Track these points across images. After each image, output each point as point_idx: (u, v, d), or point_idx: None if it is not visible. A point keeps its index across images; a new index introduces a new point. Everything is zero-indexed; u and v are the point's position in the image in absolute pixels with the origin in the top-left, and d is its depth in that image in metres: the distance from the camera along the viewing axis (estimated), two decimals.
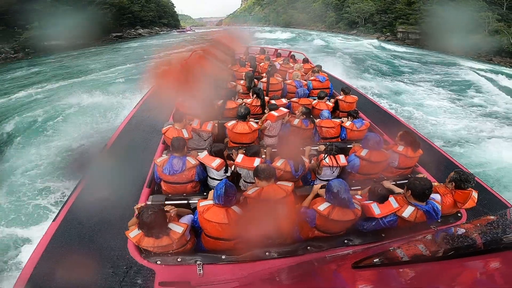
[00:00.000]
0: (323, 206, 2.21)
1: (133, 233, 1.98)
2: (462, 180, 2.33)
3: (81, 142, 6.75)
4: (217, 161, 2.73)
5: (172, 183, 2.70)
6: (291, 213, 2.19)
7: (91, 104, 9.34)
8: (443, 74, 17.21)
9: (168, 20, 63.59)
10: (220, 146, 2.82)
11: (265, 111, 3.90)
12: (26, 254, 3.68)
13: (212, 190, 2.34)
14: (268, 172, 2.26)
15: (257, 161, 2.73)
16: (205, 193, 2.70)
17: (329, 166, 2.91)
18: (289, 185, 2.29)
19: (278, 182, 2.31)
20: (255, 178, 2.35)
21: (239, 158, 2.77)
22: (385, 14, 43.69)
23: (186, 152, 2.80)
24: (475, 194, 2.34)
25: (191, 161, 2.69)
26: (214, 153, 2.77)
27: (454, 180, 2.38)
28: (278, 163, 2.79)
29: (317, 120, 3.78)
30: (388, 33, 42.18)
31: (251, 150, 2.80)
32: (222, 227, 2.04)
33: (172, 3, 71.94)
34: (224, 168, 2.81)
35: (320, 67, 6.02)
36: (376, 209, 2.23)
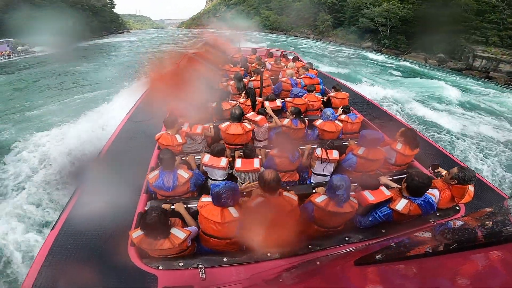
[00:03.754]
0: (320, 199, 2.26)
1: (136, 233, 1.99)
2: (466, 179, 2.34)
3: (75, 149, 6.65)
4: (224, 160, 2.76)
5: (168, 196, 2.65)
6: (293, 226, 2.15)
7: (82, 110, 9.21)
8: None
9: (88, 21, 39.15)
10: (221, 145, 2.85)
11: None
12: (26, 266, 3.63)
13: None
14: (274, 185, 2.12)
15: (256, 162, 2.74)
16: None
17: (320, 158, 2.96)
18: (295, 198, 2.23)
19: (284, 193, 2.24)
20: (260, 188, 2.25)
21: (238, 163, 2.74)
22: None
23: (179, 164, 2.73)
24: (471, 188, 2.36)
25: (184, 175, 2.59)
26: (218, 153, 2.78)
27: (457, 177, 2.37)
28: (274, 151, 2.88)
29: (318, 123, 3.75)
30: (441, 55, 24.51)
31: (247, 151, 2.81)
32: (215, 225, 2.06)
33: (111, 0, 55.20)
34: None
35: (311, 64, 6.12)
36: (369, 196, 2.28)
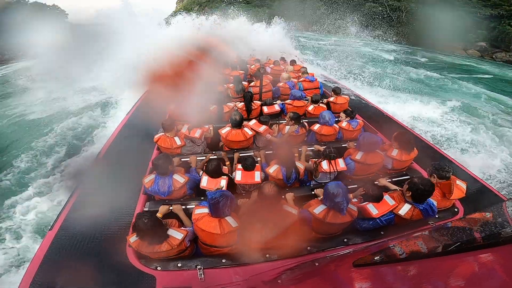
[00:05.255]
0: (318, 209, 2.21)
1: (133, 238, 1.98)
2: (438, 168, 2.42)
3: (73, 149, 6.63)
4: (223, 181, 2.63)
5: (165, 200, 2.62)
6: (290, 235, 2.12)
7: (81, 109, 9.15)
8: None
9: None
10: (214, 164, 2.64)
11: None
12: (23, 266, 3.60)
13: None
14: (273, 201, 2.08)
15: (257, 175, 2.63)
16: (202, 198, 2.68)
17: (328, 172, 2.86)
18: (294, 212, 2.18)
19: (284, 206, 2.19)
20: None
21: (238, 175, 2.65)
22: None
23: (176, 167, 2.70)
24: (461, 184, 2.38)
25: (179, 180, 2.55)
26: (214, 173, 2.62)
27: (433, 172, 2.45)
28: (271, 169, 2.78)
29: (316, 127, 3.69)
30: (481, 44, 19.39)
31: (247, 163, 2.66)
32: (214, 236, 2.03)
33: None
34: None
35: (306, 68, 6.12)
36: (373, 210, 2.25)
